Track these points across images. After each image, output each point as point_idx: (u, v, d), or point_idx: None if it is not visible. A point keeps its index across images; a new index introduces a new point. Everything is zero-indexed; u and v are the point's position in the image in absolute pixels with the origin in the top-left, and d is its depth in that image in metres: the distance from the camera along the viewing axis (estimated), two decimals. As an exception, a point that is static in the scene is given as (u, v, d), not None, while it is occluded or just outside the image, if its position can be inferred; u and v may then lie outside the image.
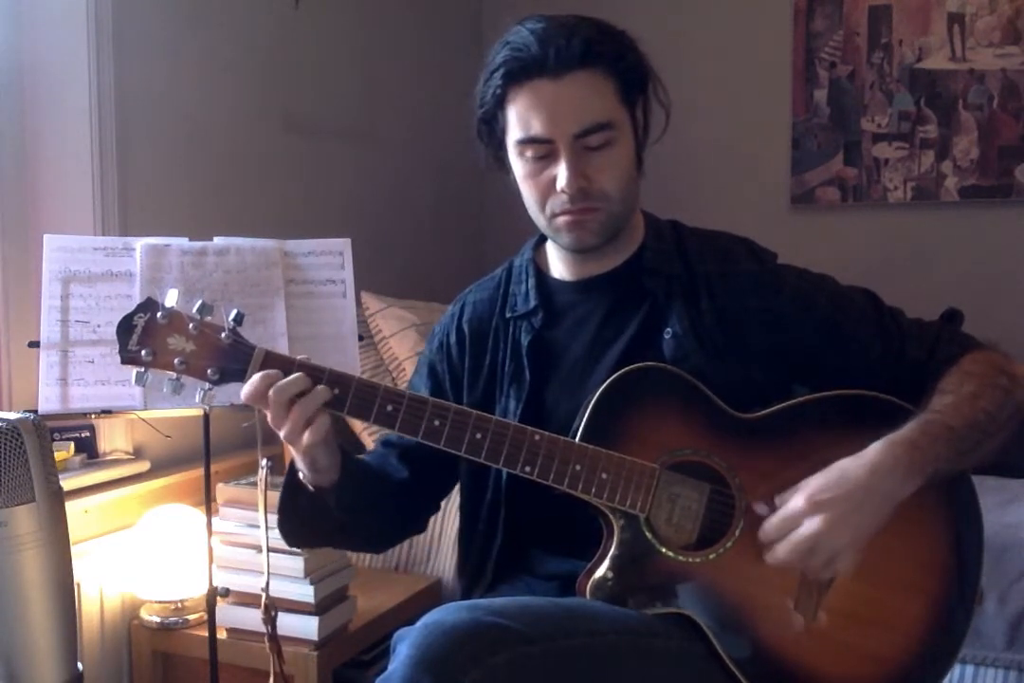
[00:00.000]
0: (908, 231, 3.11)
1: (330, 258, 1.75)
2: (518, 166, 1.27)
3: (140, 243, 1.66)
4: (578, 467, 1.19)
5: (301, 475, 1.27)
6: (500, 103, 1.24)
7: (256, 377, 1.16)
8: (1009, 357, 1.31)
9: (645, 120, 1.29)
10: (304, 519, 1.31)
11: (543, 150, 1.23)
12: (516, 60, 1.20)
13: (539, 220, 1.30)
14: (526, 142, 1.24)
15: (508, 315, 1.37)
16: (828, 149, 3.18)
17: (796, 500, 1.16)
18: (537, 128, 1.22)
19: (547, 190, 1.25)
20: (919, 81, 3.07)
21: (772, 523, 1.17)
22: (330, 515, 1.28)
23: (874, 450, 1.19)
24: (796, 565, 1.17)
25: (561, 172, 1.22)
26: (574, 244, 1.30)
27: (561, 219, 1.27)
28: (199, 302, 1.18)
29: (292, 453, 1.24)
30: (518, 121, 1.23)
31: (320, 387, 1.16)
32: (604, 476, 1.19)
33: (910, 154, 3.09)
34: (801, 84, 3.19)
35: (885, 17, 3.09)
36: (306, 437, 1.16)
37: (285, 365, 1.17)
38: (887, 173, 3.12)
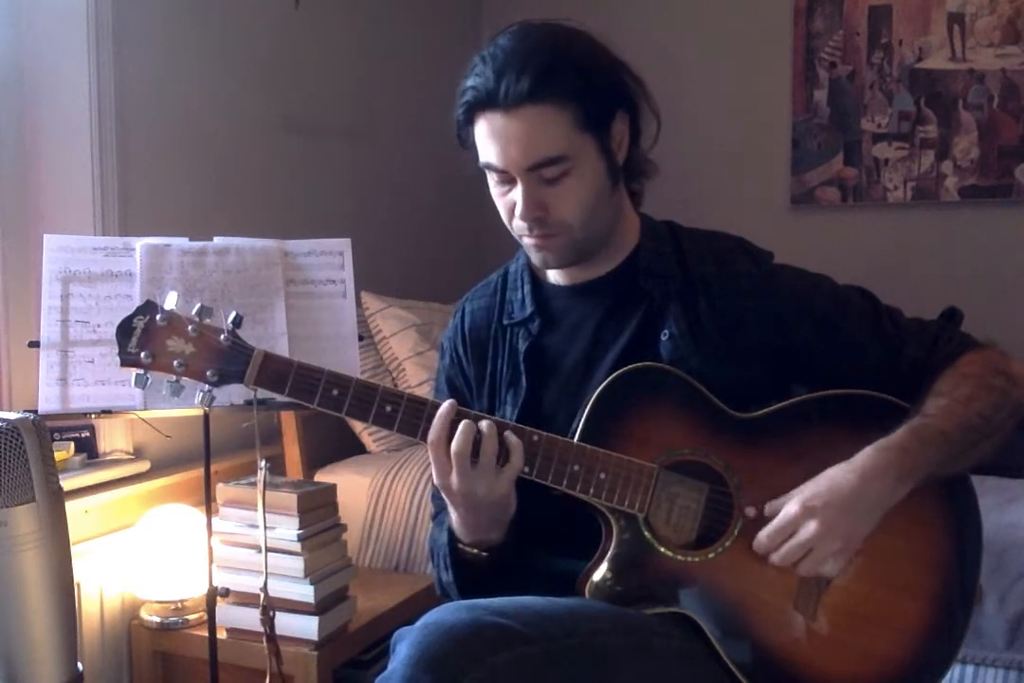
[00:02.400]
0: (908, 231, 3.11)
1: (330, 258, 1.75)
2: (489, 181, 1.29)
3: (140, 243, 1.66)
4: (576, 467, 1.19)
5: (471, 550, 1.26)
6: (469, 122, 1.25)
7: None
8: (1007, 356, 1.31)
9: (635, 131, 1.29)
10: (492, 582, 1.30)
11: (503, 177, 1.24)
12: (474, 90, 1.21)
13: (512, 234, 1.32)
14: (486, 166, 1.25)
15: (505, 322, 1.37)
16: (828, 149, 3.18)
17: (790, 507, 1.17)
18: (492, 158, 1.22)
19: (510, 212, 1.26)
20: (919, 81, 3.07)
21: (767, 532, 1.18)
22: (508, 569, 1.28)
23: (864, 456, 1.19)
24: (790, 568, 1.18)
25: (517, 201, 1.23)
26: (541, 264, 1.32)
27: (525, 240, 1.29)
28: (198, 305, 1.19)
29: (469, 517, 1.23)
30: (479, 146, 1.24)
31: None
32: (602, 476, 1.19)
33: (910, 154, 3.10)
34: (801, 84, 3.19)
35: (885, 17, 3.09)
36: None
37: (283, 367, 1.17)
38: (887, 173, 3.12)
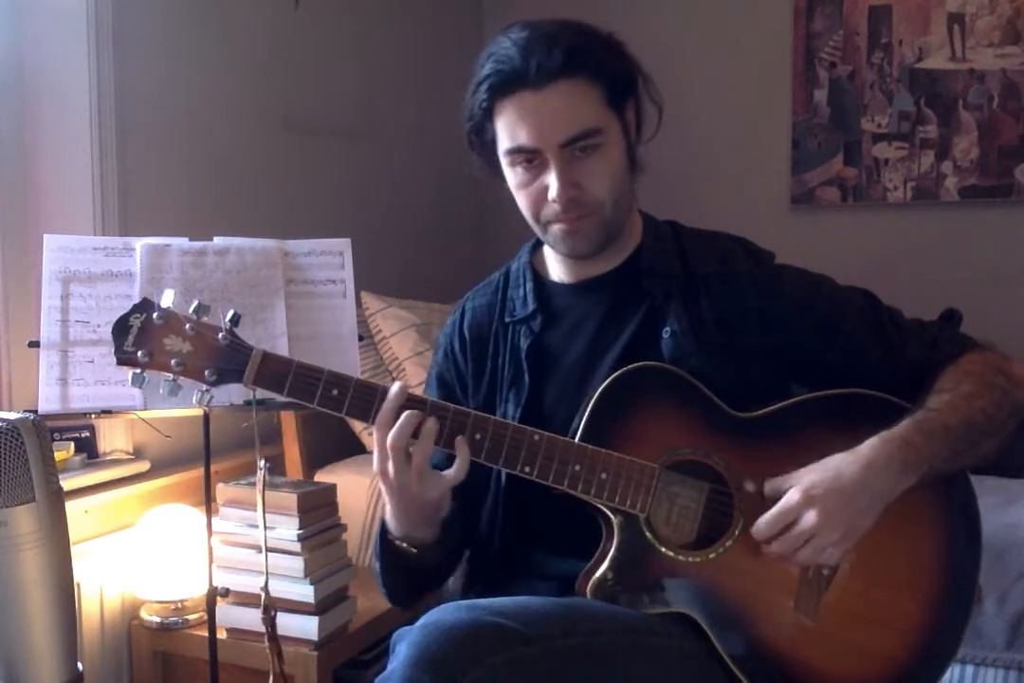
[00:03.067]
0: (908, 231, 3.11)
1: (330, 258, 1.75)
2: (510, 176, 1.28)
3: (140, 243, 1.66)
4: (577, 467, 1.19)
5: (401, 544, 1.26)
6: (488, 115, 1.24)
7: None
8: (1007, 357, 1.32)
9: (638, 121, 1.29)
10: (415, 578, 1.32)
11: (533, 159, 1.23)
12: (499, 73, 1.20)
13: (535, 228, 1.31)
14: (515, 152, 1.24)
15: (507, 320, 1.37)
16: (828, 149, 3.18)
17: (791, 494, 1.17)
18: (524, 138, 1.21)
19: (539, 199, 1.25)
20: (919, 81, 3.07)
21: (768, 518, 1.17)
22: (435, 568, 1.30)
23: (868, 446, 1.19)
24: (789, 558, 1.17)
25: (552, 182, 1.22)
26: (570, 252, 1.31)
27: (556, 227, 1.27)
28: (195, 302, 1.18)
29: (399, 510, 1.22)
30: (506, 132, 1.23)
31: (430, 422, 1.15)
32: (603, 476, 1.19)
33: (910, 154, 3.09)
34: (801, 84, 3.19)
35: (885, 17, 3.09)
36: (453, 473, 1.17)
37: (283, 367, 1.17)
38: (887, 173, 3.12)
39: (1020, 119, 2.98)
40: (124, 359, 1.17)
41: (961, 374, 1.27)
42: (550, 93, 1.19)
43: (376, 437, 1.16)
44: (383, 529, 1.28)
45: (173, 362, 1.17)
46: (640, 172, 1.33)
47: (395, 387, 1.16)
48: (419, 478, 1.16)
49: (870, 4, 3.10)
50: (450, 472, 1.17)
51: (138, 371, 1.18)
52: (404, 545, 1.26)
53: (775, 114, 3.22)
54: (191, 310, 1.17)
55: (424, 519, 1.23)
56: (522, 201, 1.28)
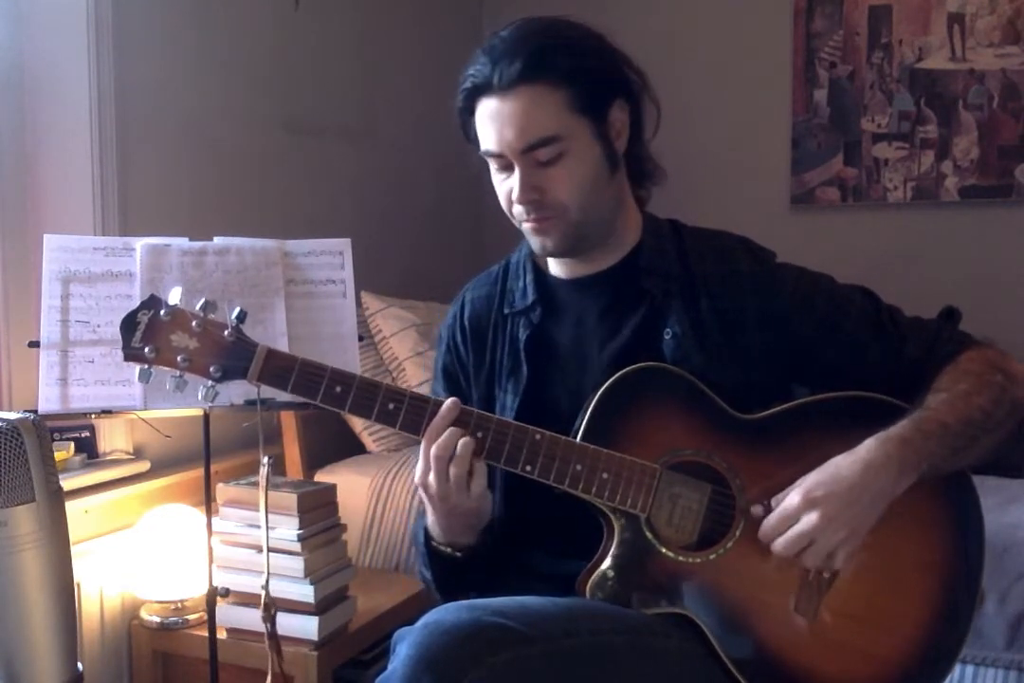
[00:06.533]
0: (908, 231, 3.11)
1: (330, 258, 1.75)
2: (490, 172, 1.30)
3: (140, 243, 1.66)
4: (579, 467, 1.19)
5: (446, 549, 1.29)
6: (469, 114, 1.27)
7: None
8: (1007, 354, 1.32)
9: (635, 121, 1.29)
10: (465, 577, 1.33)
11: (501, 162, 1.26)
12: (472, 78, 1.24)
13: (513, 222, 1.33)
14: (485, 154, 1.27)
15: (506, 311, 1.38)
16: (828, 149, 3.18)
17: (792, 497, 1.17)
18: (490, 143, 1.25)
19: (508, 198, 1.28)
20: (919, 81, 3.07)
21: (770, 521, 1.18)
22: (482, 568, 1.31)
23: (866, 447, 1.19)
24: (794, 561, 1.17)
25: (514, 186, 1.25)
26: (540, 250, 1.32)
27: (525, 225, 1.30)
28: (203, 300, 1.18)
29: (443, 520, 1.25)
30: (479, 134, 1.27)
31: (466, 438, 1.18)
32: (605, 476, 1.19)
33: (910, 154, 3.09)
34: (801, 84, 3.19)
35: (885, 17, 3.09)
36: (474, 486, 1.19)
37: (287, 363, 1.18)
38: (887, 173, 3.12)
39: (1020, 119, 2.98)
40: (131, 355, 1.19)
41: (959, 373, 1.27)
42: (510, 99, 1.21)
43: (423, 449, 1.19)
44: (426, 537, 1.30)
45: (179, 358, 1.18)
46: (662, 181, 1.36)
47: (448, 402, 1.18)
48: (457, 489, 1.18)
49: (870, 4, 3.10)
50: (474, 484, 1.19)
51: (145, 367, 1.19)
52: (448, 550, 1.28)
53: (775, 114, 3.22)
54: (198, 307, 1.18)
55: (467, 526, 1.26)
56: (499, 196, 1.31)
